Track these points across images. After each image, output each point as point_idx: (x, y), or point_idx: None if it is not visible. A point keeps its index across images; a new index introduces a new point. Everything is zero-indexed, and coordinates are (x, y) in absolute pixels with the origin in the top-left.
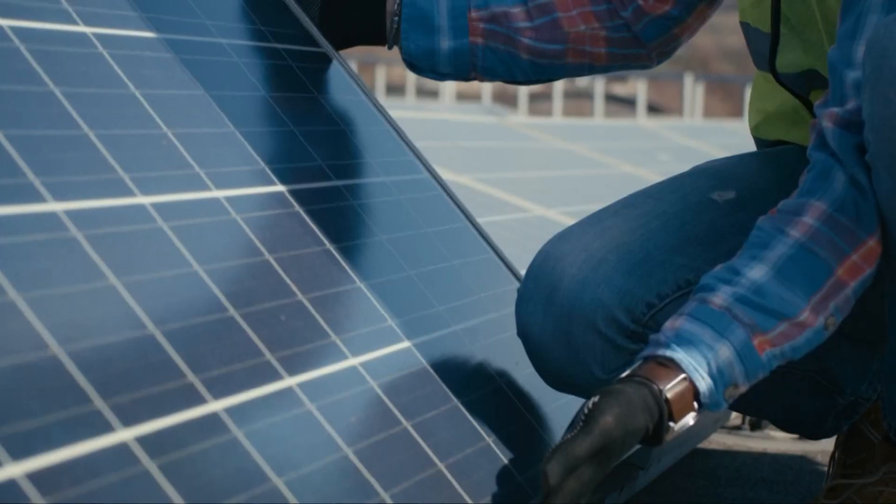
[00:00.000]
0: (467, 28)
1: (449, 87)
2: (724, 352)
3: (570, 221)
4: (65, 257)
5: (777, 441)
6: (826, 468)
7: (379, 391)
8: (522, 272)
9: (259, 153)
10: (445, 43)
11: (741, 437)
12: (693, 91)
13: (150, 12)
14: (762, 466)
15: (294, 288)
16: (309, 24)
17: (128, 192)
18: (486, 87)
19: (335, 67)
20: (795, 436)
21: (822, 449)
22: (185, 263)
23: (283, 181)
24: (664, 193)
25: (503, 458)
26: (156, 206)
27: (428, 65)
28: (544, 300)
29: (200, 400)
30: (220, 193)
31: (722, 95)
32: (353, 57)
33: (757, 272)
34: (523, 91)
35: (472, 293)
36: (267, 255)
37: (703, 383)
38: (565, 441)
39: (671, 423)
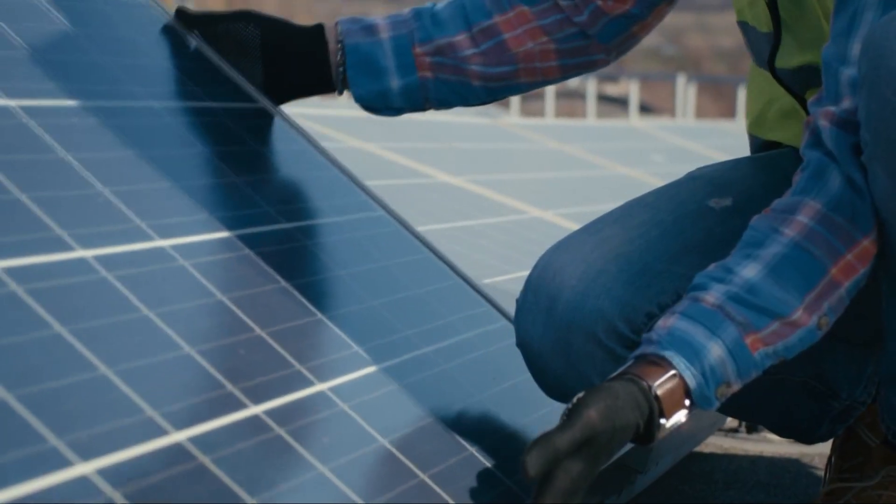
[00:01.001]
0: (414, 64)
1: None
2: (716, 350)
3: (567, 223)
4: (5, 310)
5: (774, 444)
6: (822, 471)
7: (352, 413)
8: (518, 274)
9: (202, 204)
10: (395, 82)
11: (738, 439)
12: (685, 92)
13: (77, 83)
14: (759, 469)
15: (251, 324)
16: (245, 82)
17: (68, 248)
18: None
19: (277, 121)
20: (791, 439)
21: (819, 452)
22: (133, 309)
23: (231, 228)
24: (661, 202)
25: (488, 464)
26: (98, 258)
27: (382, 104)
28: (544, 311)
29: (161, 432)
30: (166, 242)
31: (714, 95)
32: None
33: (750, 271)
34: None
35: (440, 317)
36: (220, 296)
37: (694, 381)
38: (546, 433)
39: (662, 421)
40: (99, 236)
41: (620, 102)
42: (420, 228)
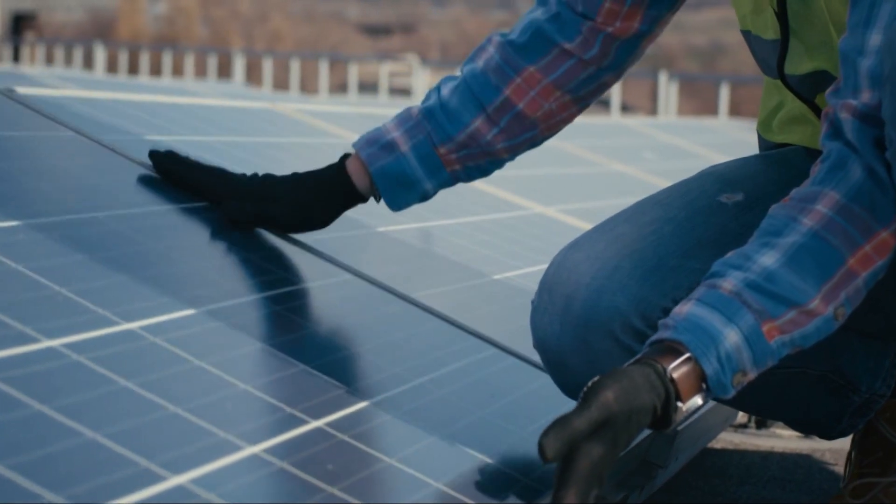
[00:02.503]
0: (441, 163)
1: (421, 86)
2: (733, 337)
3: (571, 219)
4: None
5: (784, 439)
6: (834, 466)
7: (353, 441)
8: (526, 270)
9: (162, 289)
10: (428, 185)
11: (748, 435)
12: (667, 90)
13: (20, 207)
14: (771, 465)
15: (234, 381)
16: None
17: (33, 340)
18: None
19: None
20: (801, 434)
21: (830, 447)
22: (111, 382)
23: (196, 306)
24: (672, 199)
25: (502, 468)
26: (67, 345)
27: (420, 201)
28: (560, 311)
29: (159, 479)
30: (133, 325)
31: (689, 93)
32: (326, 56)
33: (768, 259)
34: None
35: (426, 354)
36: (198, 362)
37: (711, 367)
38: (562, 416)
39: (679, 404)
40: (63, 328)
41: (601, 102)
42: (426, 224)
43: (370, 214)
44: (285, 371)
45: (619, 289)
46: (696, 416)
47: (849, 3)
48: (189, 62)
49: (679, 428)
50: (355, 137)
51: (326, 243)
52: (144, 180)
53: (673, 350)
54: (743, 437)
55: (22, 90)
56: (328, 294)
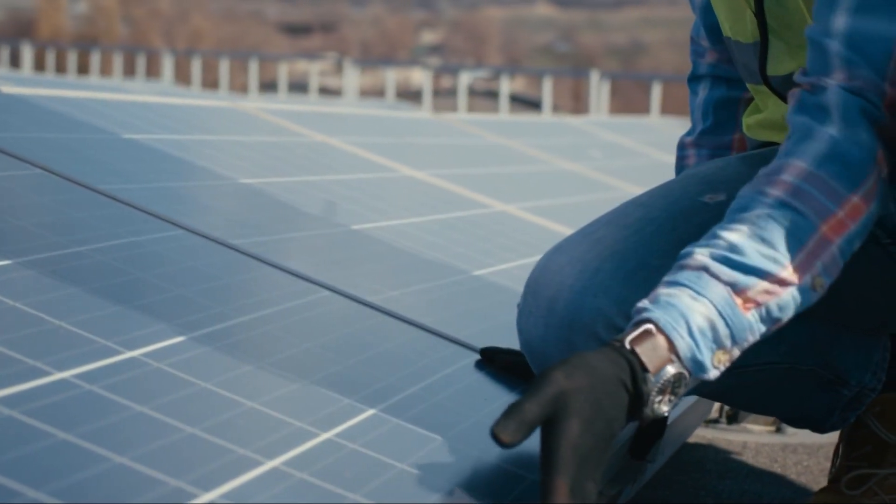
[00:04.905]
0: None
1: (352, 85)
2: (703, 310)
3: (533, 217)
4: (5, 430)
5: (755, 434)
6: (808, 460)
7: (363, 450)
8: (499, 267)
9: (156, 318)
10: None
11: (719, 430)
12: (599, 89)
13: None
14: (747, 459)
15: (241, 399)
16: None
17: (44, 374)
18: (390, 85)
19: (198, 239)
20: (772, 429)
21: (801, 442)
22: (125, 409)
23: (191, 330)
24: (654, 200)
25: (509, 467)
26: (78, 376)
27: None
28: (545, 313)
29: (191, 496)
30: (135, 353)
31: (610, 90)
32: (256, 55)
33: (734, 234)
34: (427, 89)
35: (415, 363)
36: (203, 384)
37: (682, 342)
38: (512, 402)
39: (648, 375)
40: (70, 359)
41: (521, 101)
42: (398, 222)
43: (348, 213)
44: (287, 387)
45: (601, 290)
46: (682, 408)
47: None
48: (118, 61)
49: (669, 422)
50: (318, 136)
51: (304, 241)
52: (118, 212)
53: (634, 326)
54: (715, 433)
55: None
56: (312, 311)
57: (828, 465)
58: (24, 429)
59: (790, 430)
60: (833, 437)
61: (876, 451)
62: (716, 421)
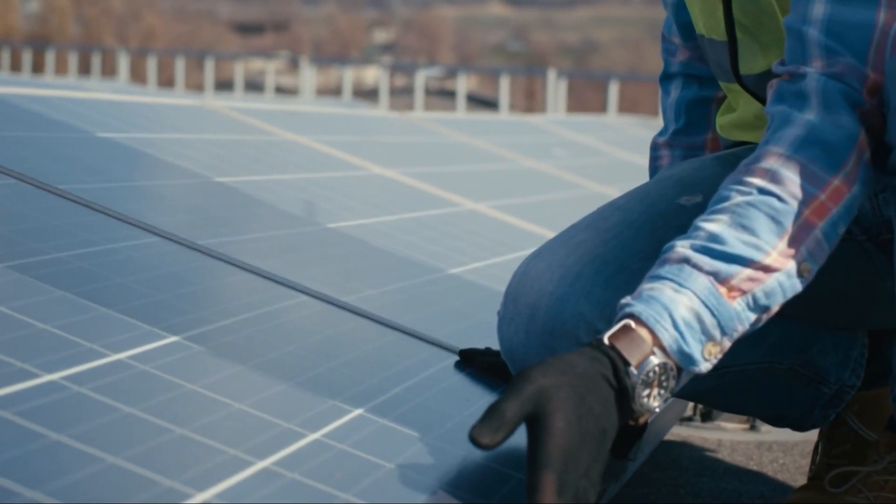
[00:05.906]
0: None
1: (308, 84)
2: (687, 302)
3: (503, 215)
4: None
5: (729, 432)
6: (784, 458)
7: (351, 450)
8: (474, 265)
9: (136, 321)
10: None
11: (693, 427)
12: (556, 87)
13: None
14: (723, 457)
15: (229, 401)
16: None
17: (34, 376)
18: (347, 84)
19: (176, 247)
20: (746, 426)
21: (775, 439)
22: (114, 410)
23: (174, 334)
24: (632, 204)
25: (496, 466)
26: (66, 378)
27: None
28: (526, 320)
29: (185, 496)
30: (121, 355)
31: (565, 89)
32: (212, 54)
33: (714, 224)
34: (384, 87)
35: (396, 364)
36: (190, 385)
37: (667, 334)
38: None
39: (631, 369)
40: (57, 362)
41: (477, 100)
42: (371, 220)
43: (322, 212)
44: (273, 389)
45: (582, 295)
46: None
47: None
48: (73, 60)
49: (650, 420)
50: (288, 135)
51: (281, 239)
52: (95, 219)
53: (618, 323)
54: (689, 431)
55: None
56: (293, 314)
57: (803, 462)
58: (17, 430)
59: (764, 427)
60: (808, 434)
61: (856, 449)
62: (690, 419)
